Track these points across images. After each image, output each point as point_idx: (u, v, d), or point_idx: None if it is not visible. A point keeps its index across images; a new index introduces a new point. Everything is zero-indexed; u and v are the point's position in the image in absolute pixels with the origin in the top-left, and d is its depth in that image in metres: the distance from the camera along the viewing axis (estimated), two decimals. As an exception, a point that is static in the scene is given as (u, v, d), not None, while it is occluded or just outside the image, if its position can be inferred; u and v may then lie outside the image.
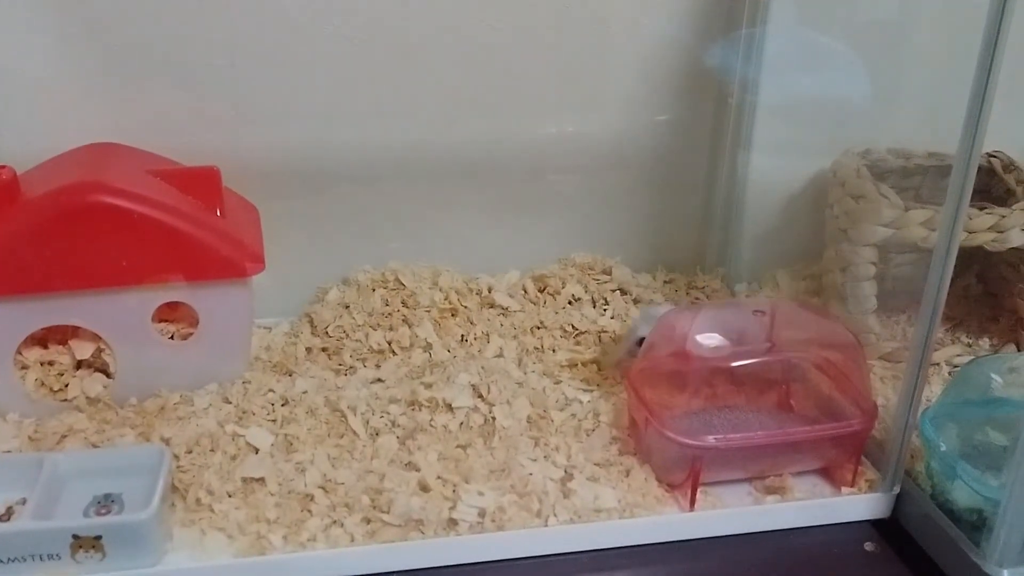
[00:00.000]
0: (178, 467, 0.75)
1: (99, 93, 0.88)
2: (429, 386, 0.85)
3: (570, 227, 1.05)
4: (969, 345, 0.97)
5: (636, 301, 1.03)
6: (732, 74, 1.00)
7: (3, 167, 0.77)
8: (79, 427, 0.80)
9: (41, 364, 0.82)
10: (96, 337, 0.82)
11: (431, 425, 0.81)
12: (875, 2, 0.99)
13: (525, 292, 1.02)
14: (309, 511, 0.73)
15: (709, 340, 0.80)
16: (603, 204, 1.05)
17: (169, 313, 0.84)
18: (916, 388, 0.73)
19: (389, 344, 0.93)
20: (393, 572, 0.71)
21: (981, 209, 0.89)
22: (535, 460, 0.78)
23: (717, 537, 0.76)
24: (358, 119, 0.95)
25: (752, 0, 0.96)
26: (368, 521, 0.72)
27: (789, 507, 0.77)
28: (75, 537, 0.66)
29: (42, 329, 0.81)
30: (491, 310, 0.99)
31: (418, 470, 0.76)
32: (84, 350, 0.82)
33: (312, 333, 0.95)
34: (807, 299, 1.00)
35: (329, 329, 0.94)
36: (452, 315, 0.97)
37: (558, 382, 0.89)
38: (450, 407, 0.82)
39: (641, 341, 0.82)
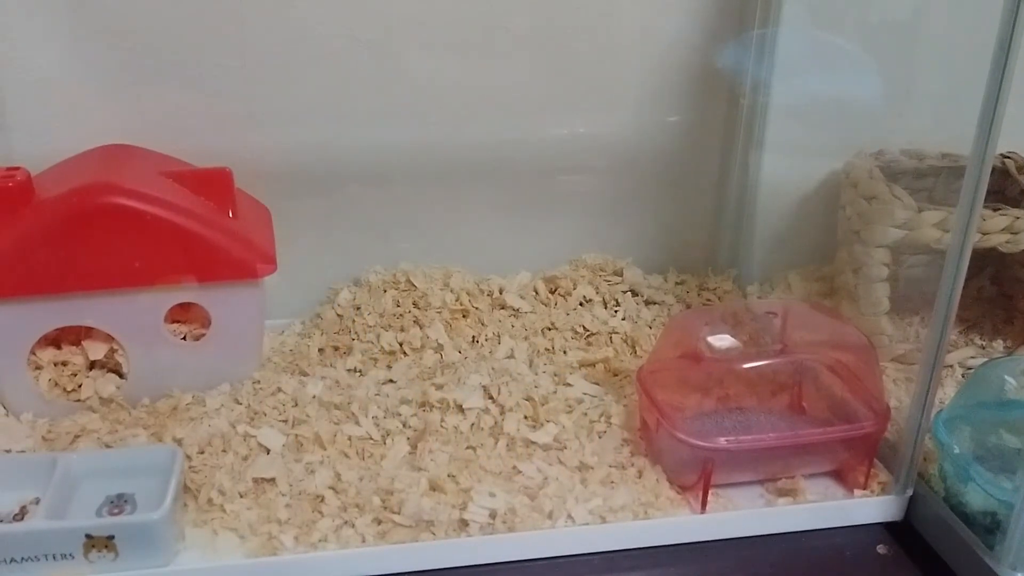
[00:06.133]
0: (190, 467, 0.75)
1: (112, 95, 0.89)
2: (440, 387, 0.85)
3: (581, 228, 1.05)
4: (983, 347, 0.97)
5: (648, 302, 1.03)
6: (744, 75, 0.99)
7: (17, 168, 0.78)
8: (92, 427, 0.80)
9: (55, 364, 0.83)
10: (109, 338, 0.82)
11: (442, 426, 0.81)
12: (888, 2, 0.98)
13: (536, 293, 1.02)
14: (320, 512, 0.73)
15: (721, 341, 0.80)
16: (614, 205, 1.05)
17: (181, 314, 0.84)
18: (929, 390, 0.72)
19: (400, 345, 0.93)
20: (404, 573, 0.71)
21: (995, 210, 0.89)
22: (547, 461, 0.78)
23: (729, 539, 0.75)
24: (369, 120, 0.95)
25: (764, 1, 0.96)
26: (379, 522, 0.72)
27: (801, 509, 0.77)
28: (88, 537, 0.66)
29: (55, 330, 0.81)
30: (502, 311, 0.99)
31: (429, 471, 0.76)
32: (97, 350, 0.83)
33: (323, 334, 0.95)
34: (819, 300, 0.99)
35: (340, 330, 0.94)
36: (463, 316, 0.97)
37: (569, 384, 0.88)
38: (461, 408, 0.82)
39: None
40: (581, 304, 1.01)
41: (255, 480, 0.75)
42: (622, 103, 1.00)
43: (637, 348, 0.95)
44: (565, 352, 0.94)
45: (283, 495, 0.74)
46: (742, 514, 0.76)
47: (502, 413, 0.83)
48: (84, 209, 0.77)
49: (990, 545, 0.69)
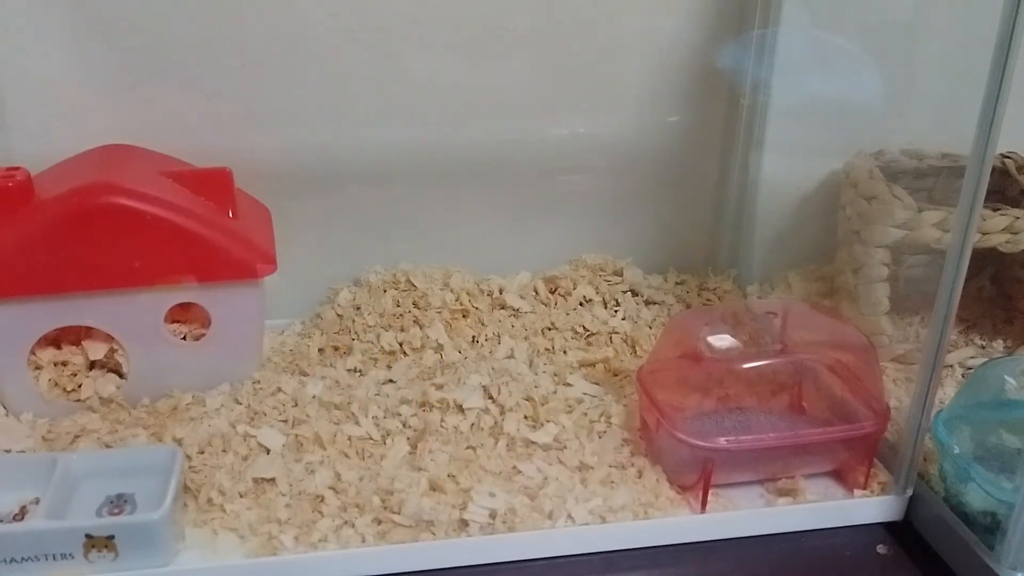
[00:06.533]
0: (190, 467, 0.75)
1: (112, 95, 0.89)
2: (440, 387, 0.85)
3: (581, 228, 1.05)
4: (983, 347, 0.97)
5: (648, 302, 1.03)
6: (744, 75, 0.99)
7: (17, 168, 0.78)
8: (92, 427, 0.80)
9: (55, 364, 0.83)
10: (109, 338, 0.82)
11: (442, 426, 0.81)
12: (888, 2, 0.98)
13: (536, 293, 1.02)
14: (320, 512, 0.73)
15: (721, 341, 0.80)
16: (614, 205, 1.05)
17: (181, 314, 0.84)
18: (929, 390, 0.72)
19: (400, 345, 0.93)
20: (404, 573, 0.71)
21: (995, 210, 0.89)
22: (547, 461, 0.78)
23: (729, 539, 0.75)
24: (369, 120, 0.95)
25: (764, 1, 0.96)
26: (379, 522, 0.72)
27: (801, 509, 0.77)
28: (88, 537, 0.66)
29: (55, 330, 0.81)
30: (502, 311, 0.99)
31: (429, 471, 0.76)
32: (97, 351, 0.83)
33: (323, 334, 0.95)
34: (819, 301, 1.00)
35: (340, 330, 0.94)
36: (463, 316, 0.97)
37: (569, 384, 0.89)
38: (461, 408, 0.83)
39: None
40: (581, 304, 1.01)
41: (255, 480, 0.75)
42: (622, 103, 1.00)
43: (637, 348, 0.95)
44: (565, 352, 0.94)
45: (283, 495, 0.74)
46: (742, 514, 0.76)
47: (502, 413, 0.83)
48: (84, 209, 0.77)
49: (990, 545, 0.69)
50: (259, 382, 0.87)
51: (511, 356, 0.93)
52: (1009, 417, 0.75)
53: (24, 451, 0.78)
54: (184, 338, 0.85)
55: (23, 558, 0.66)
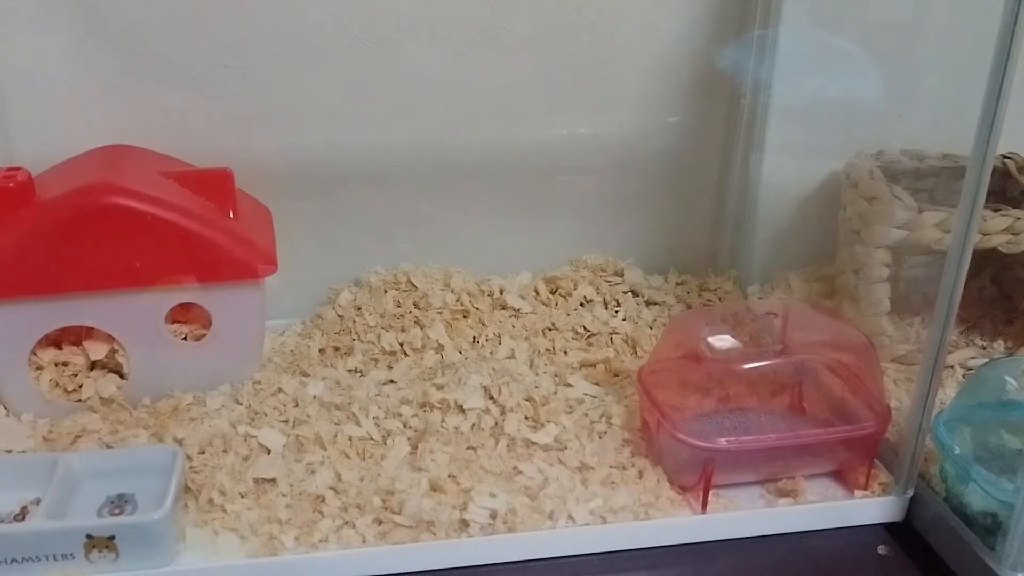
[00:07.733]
0: (191, 467, 0.75)
1: (113, 95, 0.89)
2: (441, 387, 0.85)
3: (582, 229, 1.05)
4: (983, 348, 0.97)
5: (648, 303, 1.03)
6: (744, 75, 0.99)
7: (18, 169, 0.78)
8: (93, 427, 0.80)
9: (55, 365, 0.83)
10: (110, 338, 0.82)
11: (442, 426, 0.81)
12: (888, 2, 0.98)
13: (537, 294, 1.02)
14: (320, 512, 0.73)
15: (721, 342, 0.80)
16: (615, 206, 1.05)
17: (182, 314, 0.84)
18: (930, 391, 0.72)
19: (401, 346, 0.93)
20: (404, 573, 0.71)
21: (996, 211, 0.89)
22: (547, 462, 0.78)
23: (729, 540, 0.75)
24: (370, 121, 0.95)
25: (765, 1, 0.96)
26: (379, 522, 0.72)
27: (802, 510, 0.77)
28: (89, 537, 0.66)
29: (56, 330, 0.81)
30: (503, 312, 0.99)
31: (429, 471, 0.76)
32: (98, 351, 0.83)
33: (324, 334, 0.95)
34: (820, 301, 1.00)
35: (341, 331, 0.94)
36: (464, 317, 0.97)
37: (570, 384, 0.89)
38: (461, 408, 0.83)
39: None
40: (582, 304, 1.01)
41: (256, 480, 0.75)
42: (622, 103, 1.00)
43: (638, 348, 0.95)
44: (566, 352, 0.94)
45: (284, 495, 0.74)
46: (743, 515, 0.76)
47: (503, 413, 0.83)
48: (85, 209, 0.77)
49: (990, 546, 0.69)
50: (260, 382, 0.87)
51: (512, 356, 0.93)
52: (1010, 418, 0.75)
53: (25, 451, 0.78)
54: (185, 338, 0.85)
55: (24, 558, 0.66)
